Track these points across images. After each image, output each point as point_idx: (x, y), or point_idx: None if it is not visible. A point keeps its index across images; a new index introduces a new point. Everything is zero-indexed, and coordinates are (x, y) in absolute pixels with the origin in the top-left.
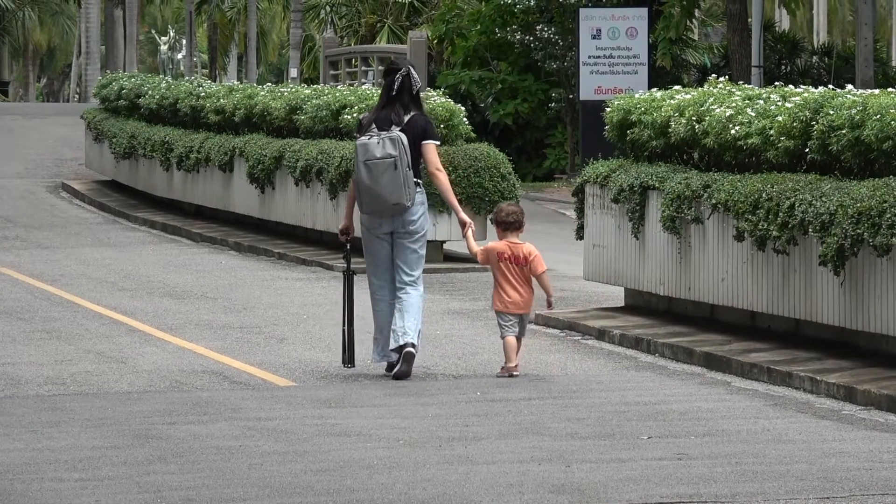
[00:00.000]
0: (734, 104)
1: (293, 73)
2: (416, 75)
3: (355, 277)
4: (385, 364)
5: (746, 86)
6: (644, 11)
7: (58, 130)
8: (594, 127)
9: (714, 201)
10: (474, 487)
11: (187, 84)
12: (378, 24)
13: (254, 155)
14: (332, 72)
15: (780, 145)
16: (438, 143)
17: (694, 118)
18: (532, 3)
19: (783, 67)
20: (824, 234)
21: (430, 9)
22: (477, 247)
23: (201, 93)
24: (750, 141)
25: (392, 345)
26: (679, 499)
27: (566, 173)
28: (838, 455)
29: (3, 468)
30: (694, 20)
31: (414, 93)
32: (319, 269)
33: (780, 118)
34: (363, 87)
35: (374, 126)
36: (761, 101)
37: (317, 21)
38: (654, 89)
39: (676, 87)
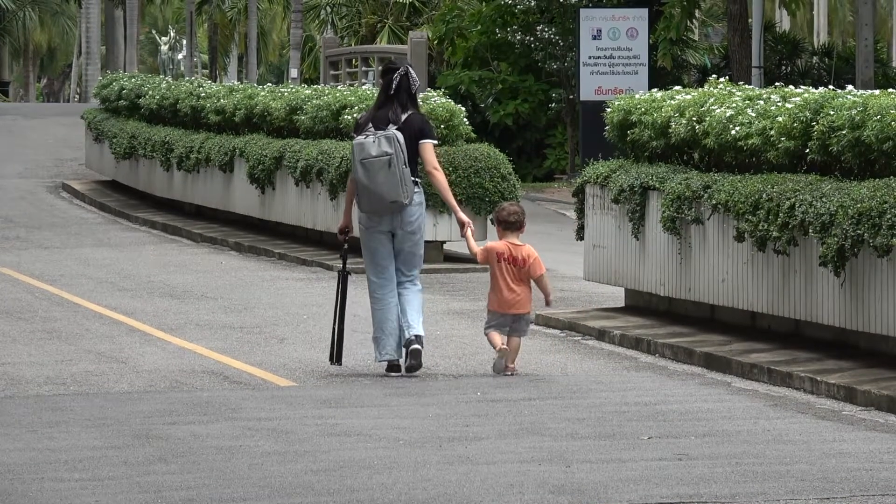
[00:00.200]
0: (734, 105)
1: (293, 73)
2: (414, 75)
3: (352, 277)
4: (386, 364)
5: (747, 86)
6: (644, 12)
7: (58, 131)
8: (594, 127)
9: (714, 202)
10: (474, 487)
11: (188, 84)
12: (378, 25)
13: (254, 155)
14: (332, 72)
15: (780, 146)
16: (436, 142)
17: (694, 119)
18: (532, 4)
19: (783, 68)
20: (824, 235)
21: (430, 9)
22: (476, 247)
23: (202, 93)
24: (750, 141)
25: (387, 357)
26: (679, 499)
27: (566, 174)
28: (838, 456)
29: (3, 468)
30: (694, 21)
31: (412, 92)
32: (320, 269)
33: (780, 119)
34: (363, 87)
35: (370, 125)
36: (762, 102)
37: (317, 21)
38: (655, 90)
39: (677, 88)
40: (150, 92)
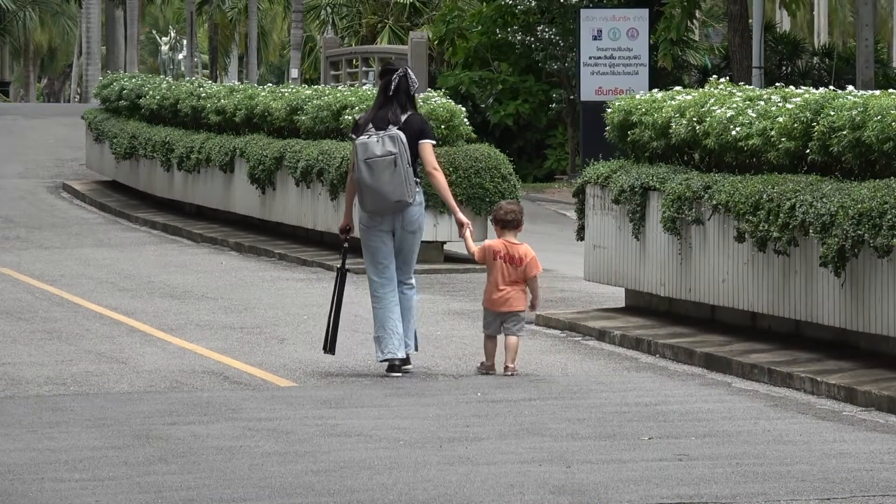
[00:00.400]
0: (735, 105)
1: (294, 73)
2: (412, 76)
3: (351, 276)
4: (387, 364)
5: (747, 87)
6: (645, 12)
7: (58, 131)
8: (595, 128)
9: (715, 202)
10: (475, 488)
11: (188, 84)
12: (379, 25)
13: (254, 155)
14: (332, 72)
15: (780, 146)
16: (435, 142)
17: (695, 119)
18: (533, 4)
19: (784, 68)
20: (825, 236)
21: (430, 9)
22: (475, 247)
23: (202, 93)
24: (751, 142)
25: (401, 353)
26: (680, 499)
27: (567, 174)
28: (839, 456)
29: (4, 468)
30: (695, 21)
31: (411, 94)
32: (320, 269)
33: (780, 119)
34: (364, 87)
35: (371, 126)
36: (762, 103)
37: (317, 21)
38: (655, 90)
39: (677, 88)
40: (151, 92)
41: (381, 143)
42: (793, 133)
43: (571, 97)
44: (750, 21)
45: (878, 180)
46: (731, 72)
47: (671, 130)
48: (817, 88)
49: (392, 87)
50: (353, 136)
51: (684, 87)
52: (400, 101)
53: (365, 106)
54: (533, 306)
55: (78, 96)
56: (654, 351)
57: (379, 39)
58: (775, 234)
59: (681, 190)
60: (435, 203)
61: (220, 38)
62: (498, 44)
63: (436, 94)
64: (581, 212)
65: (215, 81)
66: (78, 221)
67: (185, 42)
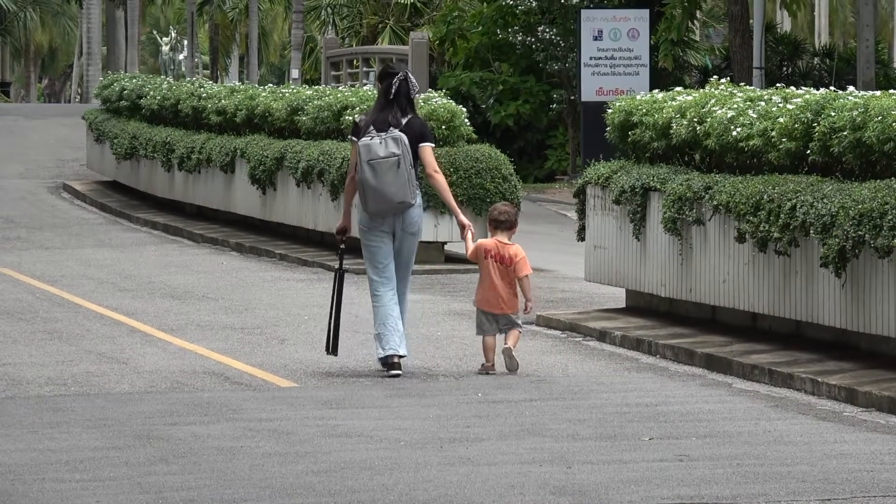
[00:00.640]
0: (735, 106)
1: (294, 73)
2: (413, 80)
3: (350, 276)
4: (385, 361)
5: (748, 87)
6: (645, 13)
7: (59, 131)
8: (595, 128)
9: (715, 203)
10: (475, 488)
11: (189, 85)
12: (379, 25)
13: (255, 156)
14: (333, 73)
15: (781, 147)
16: (434, 145)
17: (695, 120)
18: (533, 5)
19: (784, 69)
20: (825, 236)
21: (431, 10)
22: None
23: (203, 94)
24: (751, 142)
25: (402, 350)
26: (680, 500)
27: (567, 174)
28: (839, 457)
29: (4, 469)
30: (695, 21)
31: (411, 97)
32: (321, 270)
33: (781, 120)
34: (364, 88)
35: (372, 128)
36: (763, 103)
37: (318, 22)
38: (656, 91)
39: (678, 89)
40: (152, 92)
41: (385, 144)
42: (793, 133)
43: (572, 98)
44: (751, 22)
45: (878, 181)
46: (732, 72)
47: (672, 131)
48: (818, 89)
49: (393, 90)
50: (353, 139)
51: (685, 87)
52: (400, 105)
53: (365, 106)
54: (526, 309)
55: (79, 97)
56: (655, 351)
57: (379, 40)
58: (776, 235)
59: (681, 190)
60: (435, 204)
61: (221, 38)
62: (499, 44)
63: (436, 95)
64: (582, 212)
65: (216, 82)
66: (78, 222)
67: (185, 42)
